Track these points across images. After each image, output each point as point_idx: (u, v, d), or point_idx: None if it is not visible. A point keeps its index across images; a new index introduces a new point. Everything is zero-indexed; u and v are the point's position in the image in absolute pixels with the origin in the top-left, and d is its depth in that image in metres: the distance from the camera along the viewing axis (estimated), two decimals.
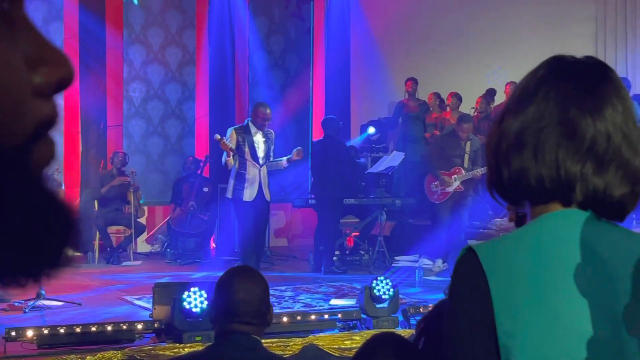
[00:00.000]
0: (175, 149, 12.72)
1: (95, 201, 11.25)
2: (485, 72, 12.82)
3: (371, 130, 12.43)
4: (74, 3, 11.96)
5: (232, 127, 9.06)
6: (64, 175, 11.60)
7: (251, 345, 2.84)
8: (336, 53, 13.51)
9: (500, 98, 12.17)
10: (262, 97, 13.19)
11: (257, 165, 8.80)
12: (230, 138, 8.78)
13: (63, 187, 11.12)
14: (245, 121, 9.03)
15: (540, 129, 1.42)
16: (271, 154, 9.03)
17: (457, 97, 12.20)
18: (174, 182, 12.00)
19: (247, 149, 8.75)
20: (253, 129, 8.87)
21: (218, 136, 8.89)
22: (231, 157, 8.69)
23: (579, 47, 12.28)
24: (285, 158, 9.12)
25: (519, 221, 1.59)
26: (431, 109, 12.54)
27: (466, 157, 10.04)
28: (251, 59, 13.15)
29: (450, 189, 9.99)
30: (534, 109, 1.43)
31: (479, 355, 1.38)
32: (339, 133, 10.80)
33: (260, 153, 8.84)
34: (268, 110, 8.93)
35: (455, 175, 9.99)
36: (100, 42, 12.09)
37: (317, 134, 13.33)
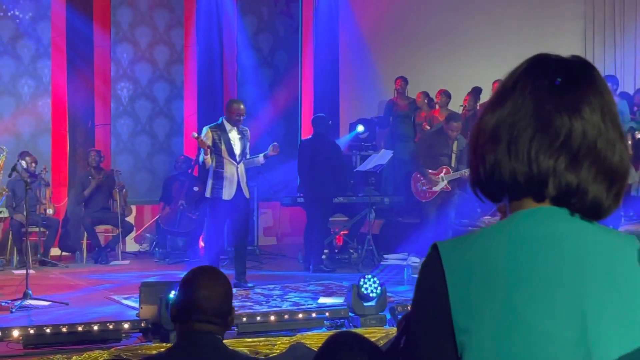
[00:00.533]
0: (163, 148, 12.69)
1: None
2: (474, 69, 12.80)
3: (360, 128, 12.41)
4: (62, 2, 11.91)
5: (207, 126, 9.01)
6: (52, 175, 11.56)
7: (214, 345, 2.83)
8: (325, 51, 13.49)
9: (486, 96, 12.17)
10: (251, 95, 13.17)
11: (234, 162, 8.75)
12: (206, 136, 8.73)
13: (51, 186, 11.06)
14: (220, 119, 8.96)
15: (514, 123, 1.41)
16: (247, 151, 8.97)
17: (446, 95, 12.19)
18: (163, 181, 11.96)
19: (223, 147, 8.71)
20: (228, 126, 8.81)
21: (195, 134, 8.89)
22: (209, 156, 8.66)
23: (567, 45, 12.31)
24: (261, 154, 9.07)
25: None
26: (420, 107, 12.53)
27: (453, 156, 10.05)
28: (239, 57, 13.12)
29: (438, 188, 9.99)
30: (511, 105, 1.43)
31: (435, 351, 1.37)
32: (329, 131, 10.77)
33: (237, 150, 8.78)
34: (242, 106, 8.90)
35: (443, 175, 10.00)
36: (88, 41, 12.04)
37: (306, 132, 13.31)
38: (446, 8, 13.43)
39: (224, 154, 8.71)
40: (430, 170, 10.03)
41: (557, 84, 1.42)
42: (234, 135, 8.80)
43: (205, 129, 8.87)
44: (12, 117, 11.72)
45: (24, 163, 10.44)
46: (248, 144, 8.96)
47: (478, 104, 12.16)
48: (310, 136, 10.78)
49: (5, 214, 10.56)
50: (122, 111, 12.52)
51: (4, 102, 11.69)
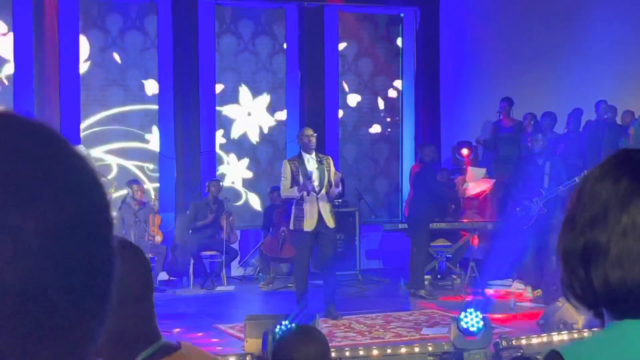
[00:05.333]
0: (266, 174, 12.86)
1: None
2: (578, 90, 12.54)
3: (465, 152, 12.38)
4: (168, 32, 12.26)
5: (286, 159, 9.04)
6: (159, 201, 11.86)
7: None
8: (426, 74, 13.48)
9: (588, 116, 11.99)
10: (352, 120, 13.26)
11: (314, 193, 8.64)
12: (284, 169, 8.76)
13: (159, 214, 11.34)
14: (298, 151, 8.96)
15: (630, 252, 1.38)
16: (332, 180, 8.70)
17: (551, 117, 12.03)
18: (265, 208, 12.13)
19: (301, 179, 8.60)
20: (306, 156, 8.71)
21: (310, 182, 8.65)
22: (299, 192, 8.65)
23: None
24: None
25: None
26: (525, 129, 12.37)
27: (546, 177, 9.95)
28: (340, 83, 13.22)
29: (534, 213, 9.89)
30: (628, 230, 1.39)
31: None
32: (433, 159, 10.71)
33: (315, 181, 8.64)
34: (310, 132, 8.79)
35: (536, 198, 9.89)
36: (193, 69, 12.35)
37: (407, 157, 13.32)
38: (550, 27, 13.22)
39: None
40: (524, 196, 9.97)
41: None
42: (311, 166, 8.69)
43: (284, 163, 8.91)
44: (122, 146, 12.11)
45: (132, 192, 10.80)
46: (329, 173, 8.73)
47: (581, 127, 12.00)
48: (415, 163, 10.82)
49: None
50: (228, 138, 12.75)
51: (114, 131, 12.09)
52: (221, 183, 11.74)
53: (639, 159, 1.46)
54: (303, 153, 8.75)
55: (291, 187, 8.64)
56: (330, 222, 8.70)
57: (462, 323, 6.75)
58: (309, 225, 8.61)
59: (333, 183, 8.72)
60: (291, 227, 8.85)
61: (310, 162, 8.72)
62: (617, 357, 1.38)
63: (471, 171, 11.06)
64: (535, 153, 10.02)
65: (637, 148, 1.51)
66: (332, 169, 8.87)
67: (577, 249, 1.45)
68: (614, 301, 1.42)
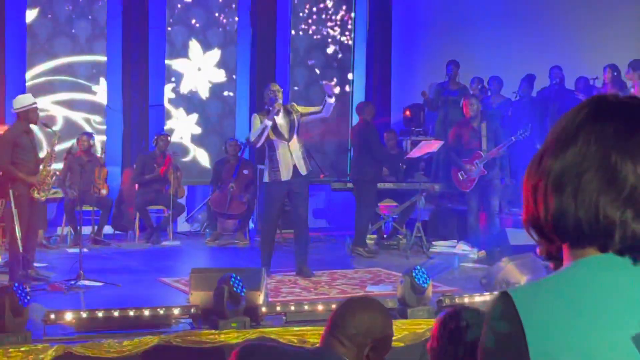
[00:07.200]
0: (215, 129, 12.76)
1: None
2: (528, 55, 12.63)
3: (407, 113, 12.45)
4: None
5: (255, 113, 9.04)
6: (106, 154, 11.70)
7: None
8: (378, 34, 13.45)
9: (541, 82, 12.06)
10: (303, 78, 13.19)
11: (284, 141, 8.65)
12: (254, 120, 8.76)
13: (105, 167, 11.19)
14: (266, 106, 8.96)
15: (580, 174, 1.40)
16: (308, 111, 8.93)
17: (498, 81, 12.11)
18: (214, 163, 12.05)
19: (270, 130, 8.63)
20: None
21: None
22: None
23: (624, 30, 12.08)
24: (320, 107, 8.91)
25: (551, 256, 1.55)
26: (472, 92, 12.42)
27: (484, 139, 10.08)
28: (293, 40, 13.13)
29: (475, 175, 10.02)
30: (575, 152, 1.41)
31: None
32: (374, 117, 10.75)
33: (284, 129, 8.66)
34: (276, 87, 8.82)
35: (477, 160, 10.01)
36: (143, 22, 12.17)
37: (357, 116, 13.31)
38: None
39: (272, 136, 8.65)
40: (464, 160, 10.08)
41: (622, 130, 1.40)
42: (280, 119, 8.69)
43: (254, 116, 8.90)
44: (68, 98, 11.90)
45: (81, 143, 10.69)
46: (298, 118, 8.75)
47: (534, 92, 12.09)
48: (356, 123, 10.82)
49: (60, 195, 10.65)
50: (177, 92, 12.60)
51: (61, 82, 11.87)
52: (169, 138, 11.65)
53: (610, 99, 1.47)
54: (270, 108, 8.71)
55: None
56: (302, 168, 8.69)
57: (415, 280, 6.78)
58: (285, 174, 8.60)
59: (312, 110, 8.94)
60: (266, 179, 8.77)
61: (279, 115, 8.70)
62: (572, 297, 1.37)
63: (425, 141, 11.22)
64: (471, 117, 10.11)
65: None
66: (300, 107, 8.95)
67: (532, 179, 1.46)
68: (556, 229, 1.43)
